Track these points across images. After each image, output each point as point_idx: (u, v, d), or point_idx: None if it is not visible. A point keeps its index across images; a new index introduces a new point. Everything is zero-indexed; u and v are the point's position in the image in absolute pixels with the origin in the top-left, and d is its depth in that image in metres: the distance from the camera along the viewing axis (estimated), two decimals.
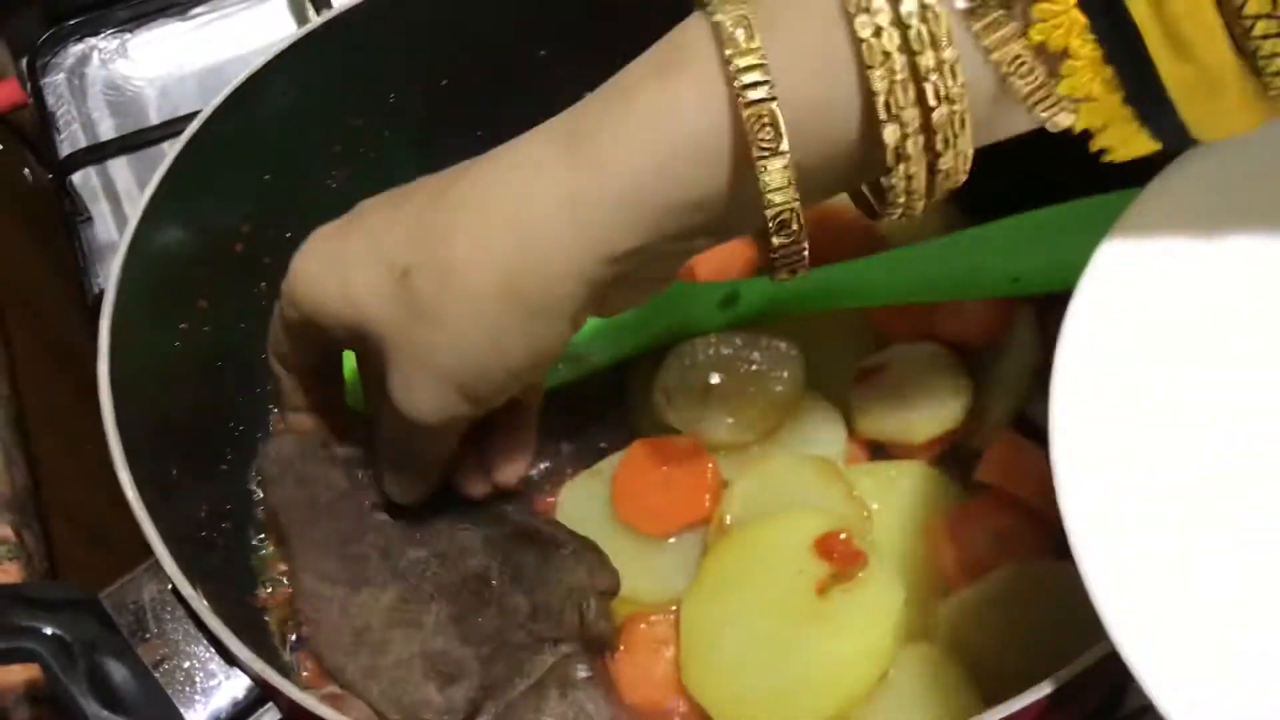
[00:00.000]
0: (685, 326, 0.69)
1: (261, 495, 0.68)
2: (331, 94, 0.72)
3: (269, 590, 0.66)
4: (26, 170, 0.93)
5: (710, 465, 0.65)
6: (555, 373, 0.68)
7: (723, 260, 0.73)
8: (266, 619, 0.65)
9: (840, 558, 0.59)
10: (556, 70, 0.79)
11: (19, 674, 0.55)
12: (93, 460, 0.84)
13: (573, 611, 0.62)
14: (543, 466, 0.69)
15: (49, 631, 0.46)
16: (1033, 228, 0.64)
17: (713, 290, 0.69)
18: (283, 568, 0.66)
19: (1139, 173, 0.52)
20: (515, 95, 0.79)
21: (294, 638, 0.64)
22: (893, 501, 0.64)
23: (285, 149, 0.71)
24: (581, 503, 0.66)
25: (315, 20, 0.70)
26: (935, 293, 0.67)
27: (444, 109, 0.77)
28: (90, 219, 0.87)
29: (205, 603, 0.49)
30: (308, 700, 0.48)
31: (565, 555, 0.63)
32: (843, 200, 0.49)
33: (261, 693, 0.49)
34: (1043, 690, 0.46)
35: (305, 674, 0.62)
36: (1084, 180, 0.50)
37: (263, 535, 0.67)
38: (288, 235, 0.72)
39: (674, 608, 0.63)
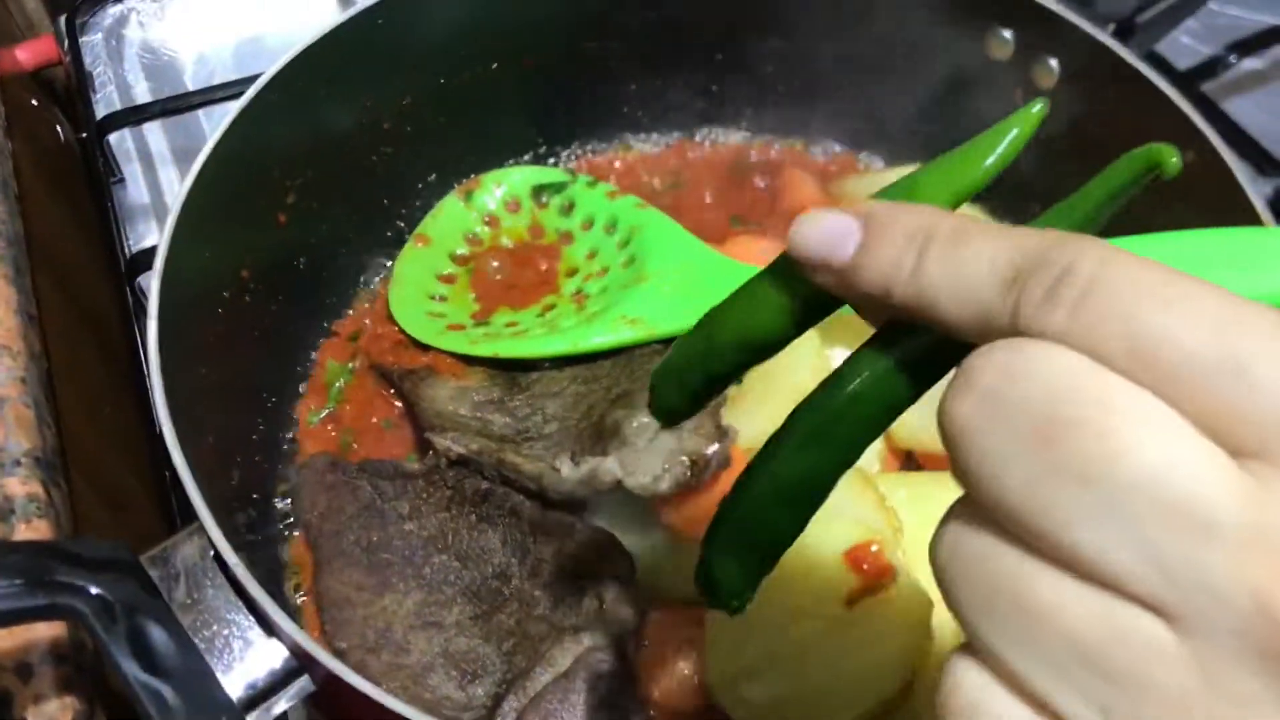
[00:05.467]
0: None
1: (291, 499, 0.68)
2: (381, 72, 0.72)
3: (296, 572, 0.65)
4: (58, 128, 0.92)
5: None
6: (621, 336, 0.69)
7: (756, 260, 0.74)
8: (289, 594, 0.65)
9: (870, 571, 0.59)
10: (612, 64, 0.79)
11: (44, 631, 0.53)
12: (110, 422, 0.83)
13: (591, 598, 0.62)
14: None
15: (93, 591, 0.45)
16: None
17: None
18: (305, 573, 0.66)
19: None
20: (560, 87, 0.79)
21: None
22: (927, 513, 0.63)
23: (334, 123, 0.70)
24: (618, 499, 0.65)
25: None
26: None
27: (490, 90, 0.77)
28: (123, 180, 0.87)
29: (247, 570, 0.48)
30: (344, 671, 0.48)
31: (579, 542, 0.63)
32: None
33: (298, 663, 0.49)
34: None
35: None
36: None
37: (289, 520, 0.67)
38: (331, 210, 0.72)
39: (701, 607, 0.62)
